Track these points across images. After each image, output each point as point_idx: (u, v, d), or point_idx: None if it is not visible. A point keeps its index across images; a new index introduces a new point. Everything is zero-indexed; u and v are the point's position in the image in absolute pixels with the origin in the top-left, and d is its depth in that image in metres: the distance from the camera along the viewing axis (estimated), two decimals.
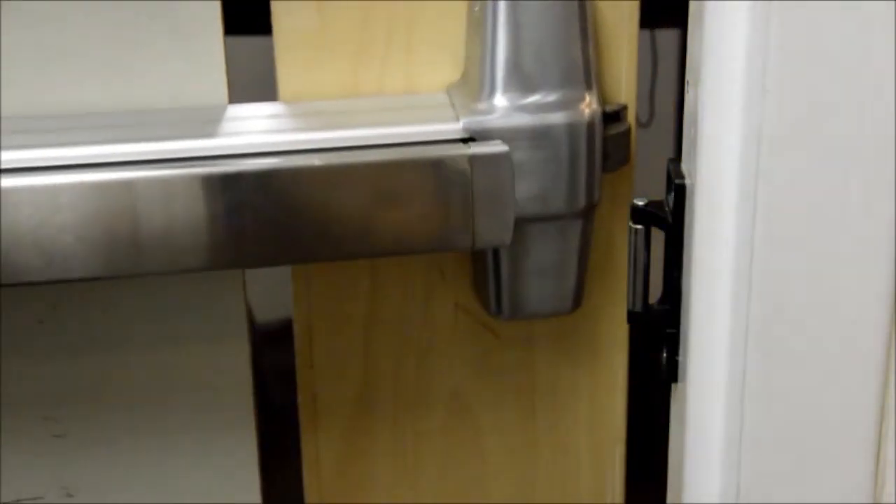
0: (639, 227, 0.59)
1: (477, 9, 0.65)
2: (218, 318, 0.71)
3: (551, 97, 0.64)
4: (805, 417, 0.55)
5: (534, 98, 0.64)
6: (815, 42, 0.50)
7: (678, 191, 0.57)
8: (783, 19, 0.50)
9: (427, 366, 0.74)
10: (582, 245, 0.68)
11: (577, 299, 0.69)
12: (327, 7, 0.66)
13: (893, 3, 0.50)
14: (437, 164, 0.62)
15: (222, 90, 0.67)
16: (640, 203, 0.59)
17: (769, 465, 0.56)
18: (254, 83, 0.77)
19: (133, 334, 0.71)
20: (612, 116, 0.67)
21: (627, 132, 0.68)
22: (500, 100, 0.64)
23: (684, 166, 0.58)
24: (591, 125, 0.64)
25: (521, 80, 0.64)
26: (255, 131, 0.64)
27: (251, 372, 0.73)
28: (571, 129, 0.64)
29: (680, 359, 0.58)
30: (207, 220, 0.60)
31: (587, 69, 0.65)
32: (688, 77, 0.57)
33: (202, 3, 0.65)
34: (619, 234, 0.71)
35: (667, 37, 1.38)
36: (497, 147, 0.63)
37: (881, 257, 0.53)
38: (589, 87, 0.65)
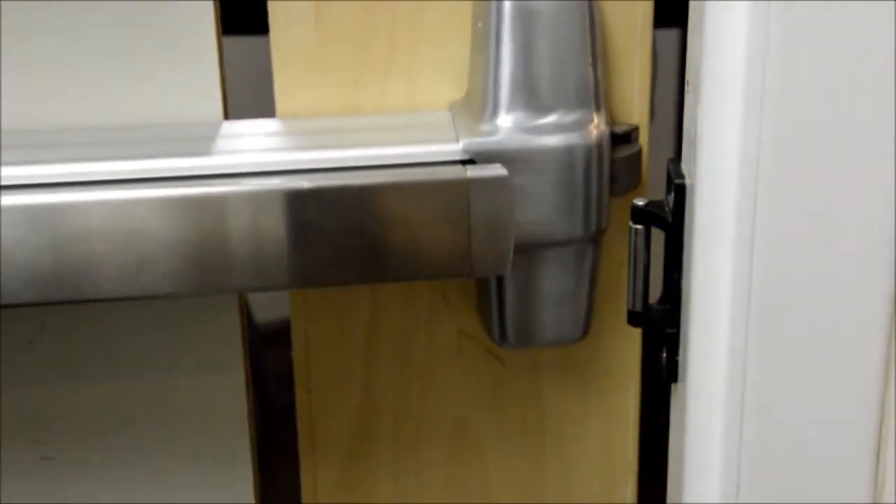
0: (639, 227, 0.59)
1: (480, 24, 0.62)
2: (213, 342, 0.69)
3: (557, 118, 0.62)
4: (805, 417, 0.55)
5: (538, 119, 0.62)
6: (815, 42, 0.50)
7: (678, 191, 0.57)
8: (783, 19, 0.50)
9: (430, 393, 0.72)
10: (589, 272, 0.65)
11: (586, 327, 0.67)
12: (326, 21, 0.64)
13: (893, 3, 0.50)
14: (431, 188, 0.59)
15: (217, 106, 0.65)
16: (640, 203, 0.59)
17: (769, 465, 0.56)
18: (251, 85, 0.76)
19: (124, 357, 0.70)
20: (622, 138, 0.64)
21: (638, 154, 0.65)
22: (504, 120, 0.62)
23: (684, 166, 0.58)
24: (598, 147, 0.62)
25: (526, 100, 0.62)
26: (248, 150, 0.62)
27: (247, 403, 0.71)
28: (577, 151, 0.61)
29: (680, 359, 0.58)
30: (194, 242, 0.58)
31: (596, 88, 0.62)
32: (688, 77, 0.57)
33: (197, 19, 0.63)
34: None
35: (667, 37, 1.38)
36: (495, 171, 0.60)
37: (881, 257, 0.53)
38: (597, 107, 0.62)
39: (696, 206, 0.55)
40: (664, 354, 0.60)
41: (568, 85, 0.62)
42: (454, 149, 0.61)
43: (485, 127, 0.62)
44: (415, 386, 0.72)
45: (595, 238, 0.64)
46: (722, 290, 0.54)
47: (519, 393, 0.72)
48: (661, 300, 0.60)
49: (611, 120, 0.64)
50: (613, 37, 0.65)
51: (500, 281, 0.65)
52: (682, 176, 0.57)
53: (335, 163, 0.60)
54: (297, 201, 0.59)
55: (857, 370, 0.54)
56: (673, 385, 0.61)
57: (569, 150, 0.61)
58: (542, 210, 0.62)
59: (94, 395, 0.70)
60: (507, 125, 0.62)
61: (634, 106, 0.67)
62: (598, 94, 0.62)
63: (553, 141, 0.61)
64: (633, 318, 0.60)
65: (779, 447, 0.56)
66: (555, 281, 0.65)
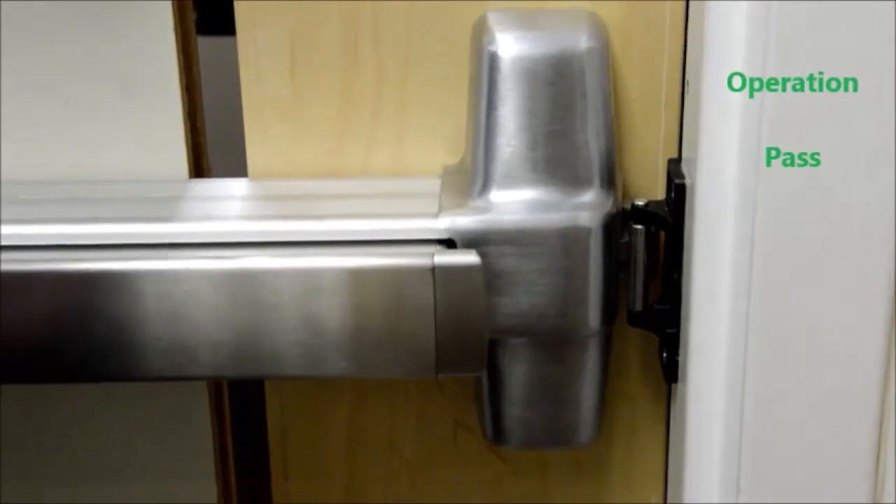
0: (639, 227, 0.59)
1: (476, 86, 0.55)
2: (182, 444, 0.64)
3: (558, 195, 0.54)
4: (805, 417, 0.55)
5: (536, 195, 0.54)
6: (815, 42, 0.50)
7: (678, 191, 0.57)
8: (783, 19, 0.50)
9: (422, 492, 0.65)
10: (597, 368, 0.58)
11: (595, 428, 0.59)
12: (303, 73, 0.58)
13: (893, 3, 0.50)
14: (391, 273, 0.52)
15: (182, 165, 0.60)
16: (640, 203, 0.59)
17: (769, 465, 0.56)
18: (235, 86, 0.73)
19: (88, 465, 0.65)
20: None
21: (655, 235, 0.57)
22: (497, 196, 0.54)
23: (684, 166, 0.58)
24: (604, 230, 0.54)
25: (523, 174, 0.54)
26: (201, 218, 0.55)
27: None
28: (579, 234, 0.54)
29: (680, 359, 0.58)
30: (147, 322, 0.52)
31: (607, 159, 0.55)
32: (688, 77, 0.57)
33: (161, 68, 0.59)
34: (649, 353, 0.62)
35: None
36: (467, 257, 0.52)
37: (881, 257, 0.53)
38: (608, 181, 0.55)
39: (696, 206, 0.55)
40: (664, 354, 0.60)
41: (573, 156, 0.54)
42: (433, 226, 0.54)
43: (474, 202, 0.54)
44: (405, 481, 0.65)
45: (602, 331, 0.57)
46: (722, 290, 0.54)
47: (524, 496, 0.66)
48: (661, 300, 0.60)
49: (626, 195, 0.57)
50: (632, 94, 0.59)
51: (493, 375, 0.57)
52: (682, 176, 0.57)
53: (291, 236, 0.54)
54: (243, 281, 0.52)
55: (857, 370, 0.54)
56: (673, 385, 0.61)
57: (568, 233, 0.54)
58: (537, 300, 0.54)
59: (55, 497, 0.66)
60: (499, 201, 0.54)
61: (658, 176, 0.60)
62: (610, 166, 0.55)
63: (550, 221, 0.54)
64: (633, 318, 0.60)
65: (779, 448, 0.56)
66: (557, 378, 0.57)
